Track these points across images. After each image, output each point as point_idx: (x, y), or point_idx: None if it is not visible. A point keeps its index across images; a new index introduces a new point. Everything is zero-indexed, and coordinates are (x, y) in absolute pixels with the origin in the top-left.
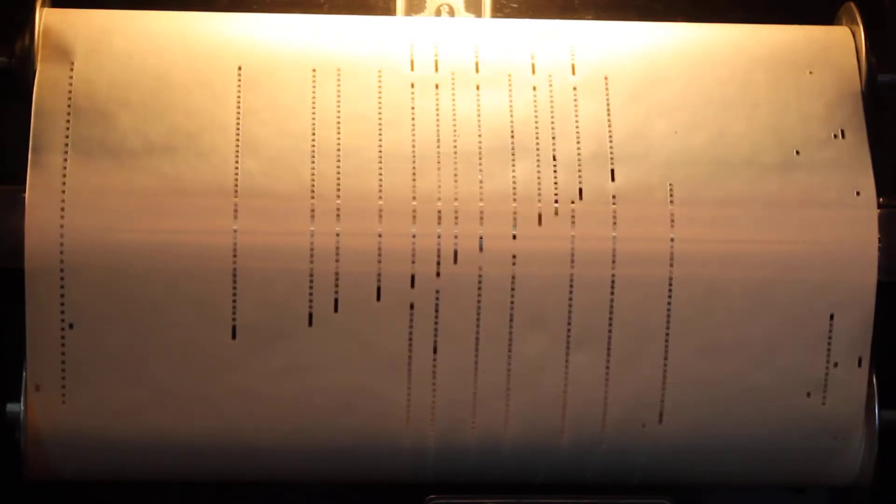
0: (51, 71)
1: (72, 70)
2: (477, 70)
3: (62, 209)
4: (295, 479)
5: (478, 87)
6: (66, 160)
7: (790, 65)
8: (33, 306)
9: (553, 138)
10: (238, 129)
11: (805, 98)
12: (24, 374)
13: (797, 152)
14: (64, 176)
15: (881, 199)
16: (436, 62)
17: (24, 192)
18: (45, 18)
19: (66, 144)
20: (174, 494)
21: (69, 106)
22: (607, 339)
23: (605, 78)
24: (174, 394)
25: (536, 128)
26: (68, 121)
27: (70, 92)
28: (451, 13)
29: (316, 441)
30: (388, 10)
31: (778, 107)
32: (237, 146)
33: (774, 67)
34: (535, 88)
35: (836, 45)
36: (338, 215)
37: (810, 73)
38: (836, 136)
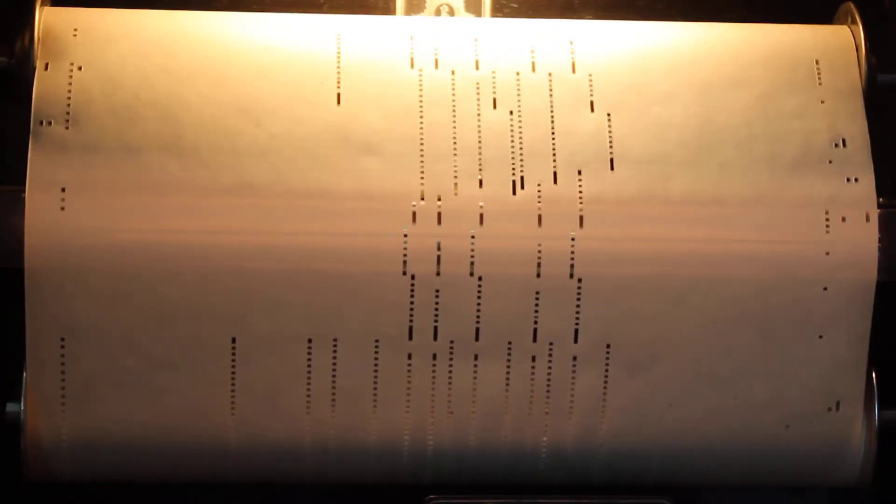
0: (50, 71)
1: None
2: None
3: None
4: (295, 479)
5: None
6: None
7: (790, 64)
8: (33, 306)
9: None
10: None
11: (804, 98)
12: (23, 374)
13: (797, 151)
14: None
15: (881, 199)
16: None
17: (24, 192)
18: (45, 18)
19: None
20: (174, 495)
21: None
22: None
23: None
24: (174, 394)
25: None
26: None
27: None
28: (451, 13)
29: (316, 441)
30: (388, 9)
31: (777, 106)
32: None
33: (774, 67)
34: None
35: (836, 45)
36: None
37: (809, 72)
38: (836, 136)
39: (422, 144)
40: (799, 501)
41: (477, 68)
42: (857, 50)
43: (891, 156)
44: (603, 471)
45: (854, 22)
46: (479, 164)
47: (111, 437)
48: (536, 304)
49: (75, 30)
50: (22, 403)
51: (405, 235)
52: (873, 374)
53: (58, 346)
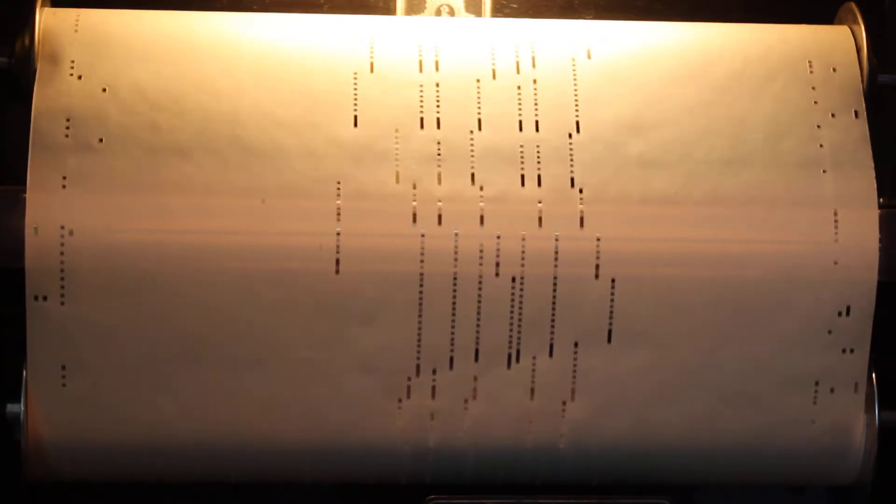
0: (51, 71)
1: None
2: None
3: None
4: (295, 479)
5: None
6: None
7: (790, 64)
8: (33, 306)
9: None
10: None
11: (805, 98)
12: (24, 374)
13: (797, 152)
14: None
15: (881, 199)
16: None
17: (24, 192)
18: (45, 18)
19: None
20: (174, 495)
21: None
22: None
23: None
24: (175, 395)
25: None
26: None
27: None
28: (451, 13)
29: (317, 442)
30: (389, 9)
31: (777, 106)
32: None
33: (774, 67)
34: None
35: (837, 45)
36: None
37: (810, 72)
38: (836, 135)
39: (420, 316)
40: (799, 501)
41: (481, 224)
42: (857, 50)
43: (891, 156)
44: (602, 476)
45: (855, 22)
46: (477, 336)
47: (111, 437)
48: (528, 467)
49: (75, 30)
50: (22, 403)
51: (399, 408)
52: (873, 375)
53: (58, 346)
